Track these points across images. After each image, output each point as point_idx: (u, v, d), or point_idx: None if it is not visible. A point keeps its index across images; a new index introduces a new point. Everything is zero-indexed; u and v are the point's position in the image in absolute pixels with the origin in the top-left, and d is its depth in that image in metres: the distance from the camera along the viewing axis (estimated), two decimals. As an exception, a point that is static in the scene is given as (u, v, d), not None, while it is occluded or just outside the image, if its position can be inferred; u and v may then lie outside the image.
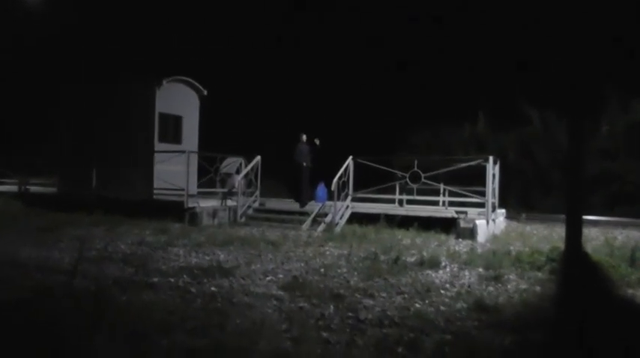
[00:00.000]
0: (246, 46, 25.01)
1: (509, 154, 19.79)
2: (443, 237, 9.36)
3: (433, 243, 8.77)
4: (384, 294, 5.20)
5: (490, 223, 9.43)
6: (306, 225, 10.37)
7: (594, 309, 4.69)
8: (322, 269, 6.40)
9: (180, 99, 12.16)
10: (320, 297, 4.97)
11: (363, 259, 7.05)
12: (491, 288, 5.60)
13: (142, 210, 10.82)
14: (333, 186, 10.08)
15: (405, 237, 9.21)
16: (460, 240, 9.05)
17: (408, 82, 24.08)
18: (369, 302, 4.88)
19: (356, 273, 6.24)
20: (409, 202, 10.82)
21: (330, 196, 11.71)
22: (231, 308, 4.56)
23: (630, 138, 18.02)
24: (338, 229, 10.06)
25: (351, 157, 10.76)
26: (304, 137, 11.66)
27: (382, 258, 7.13)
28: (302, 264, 6.77)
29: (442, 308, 4.70)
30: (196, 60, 19.83)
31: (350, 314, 4.41)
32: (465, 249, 8.19)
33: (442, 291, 5.40)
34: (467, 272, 6.38)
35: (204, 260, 6.94)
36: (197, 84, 12.38)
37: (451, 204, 10.29)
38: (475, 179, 10.28)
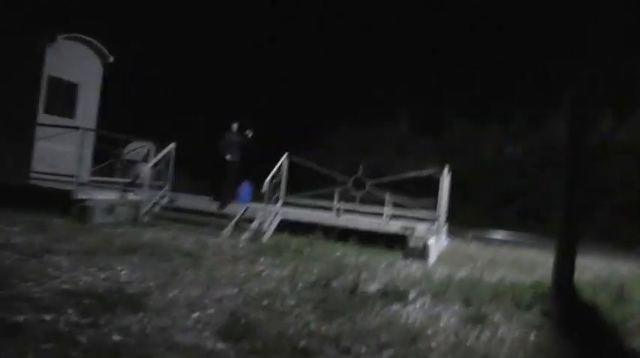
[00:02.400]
0: (167, 8, 21.83)
1: (428, 162, 19.46)
2: (388, 255, 8.22)
3: (380, 263, 7.56)
4: (362, 348, 3.81)
5: (437, 242, 8.48)
6: (227, 231, 8.68)
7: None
8: (265, 301, 4.85)
9: (77, 63, 9.77)
10: (279, 354, 3.45)
11: (312, 286, 5.61)
12: (483, 337, 4.45)
13: (13, 199, 8.41)
14: (265, 187, 8.51)
15: (346, 254, 7.91)
16: (409, 260, 7.95)
17: (326, 78, 22.77)
18: (350, 364, 3.45)
19: (309, 307, 4.78)
20: (347, 211, 9.56)
21: (255, 198, 10.14)
22: (148, 380, 2.87)
23: (543, 154, 18.50)
24: (265, 239, 8.51)
25: (286, 155, 9.26)
26: (235, 126, 9.89)
27: (334, 284, 5.74)
28: (235, 290, 5.17)
29: (452, 377, 3.41)
30: (103, 19, 16.80)
31: (339, 395, 2.94)
32: (418, 273, 7.09)
33: (432, 343, 4.12)
34: (442, 310, 5.20)
35: (99, 279, 5.05)
36: (102, 47, 10.05)
37: (394, 216, 9.20)
38: (421, 189, 9.33)
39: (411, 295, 5.58)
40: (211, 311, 4.37)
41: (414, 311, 5.06)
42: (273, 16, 23.12)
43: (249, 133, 9.83)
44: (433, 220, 8.56)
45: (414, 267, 7.55)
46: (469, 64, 20.75)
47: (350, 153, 18.85)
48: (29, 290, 4.36)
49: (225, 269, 6.08)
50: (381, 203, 9.27)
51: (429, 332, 4.45)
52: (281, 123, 20.30)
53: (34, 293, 4.31)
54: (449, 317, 4.97)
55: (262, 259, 6.91)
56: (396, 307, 5.13)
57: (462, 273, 7.26)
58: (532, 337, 4.58)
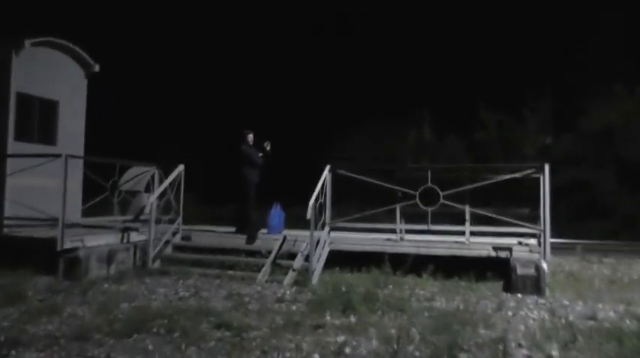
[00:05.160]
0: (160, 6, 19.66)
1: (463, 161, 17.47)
2: (483, 288, 6.14)
3: (484, 304, 5.48)
4: None
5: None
6: (263, 274, 6.60)
7: None
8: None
9: (55, 75, 7.78)
10: None
11: (430, 367, 3.54)
12: None
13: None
14: (310, 213, 6.46)
15: (433, 294, 5.83)
16: (519, 295, 5.85)
17: (339, 79, 20.76)
18: None
19: None
20: (409, 232, 7.48)
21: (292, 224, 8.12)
22: None
23: (592, 144, 16.49)
24: (315, 280, 6.44)
25: (328, 168, 7.23)
26: (251, 137, 7.88)
27: (461, 359, 3.67)
28: (318, 396, 3.11)
29: None
30: (85, 21, 14.62)
31: None
32: (546, 315, 5.01)
33: None
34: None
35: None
36: (83, 53, 8.04)
37: (475, 233, 7.10)
38: (505, 196, 7.34)
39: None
40: None
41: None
42: (279, 16, 21.27)
43: (268, 146, 7.86)
44: (535, 235, 6.47)
45: (531, 305, 5.46)
46: (497, 53, 18.97)
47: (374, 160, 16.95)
48: None
49: (285, 345, 4.01)
50: (455, 218, 7.21)
51: None
52: (293, 133, 18.25)
53: None
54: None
55: (329, 318, 4.83)
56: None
57: (606, 310, 5.20)
58: None
